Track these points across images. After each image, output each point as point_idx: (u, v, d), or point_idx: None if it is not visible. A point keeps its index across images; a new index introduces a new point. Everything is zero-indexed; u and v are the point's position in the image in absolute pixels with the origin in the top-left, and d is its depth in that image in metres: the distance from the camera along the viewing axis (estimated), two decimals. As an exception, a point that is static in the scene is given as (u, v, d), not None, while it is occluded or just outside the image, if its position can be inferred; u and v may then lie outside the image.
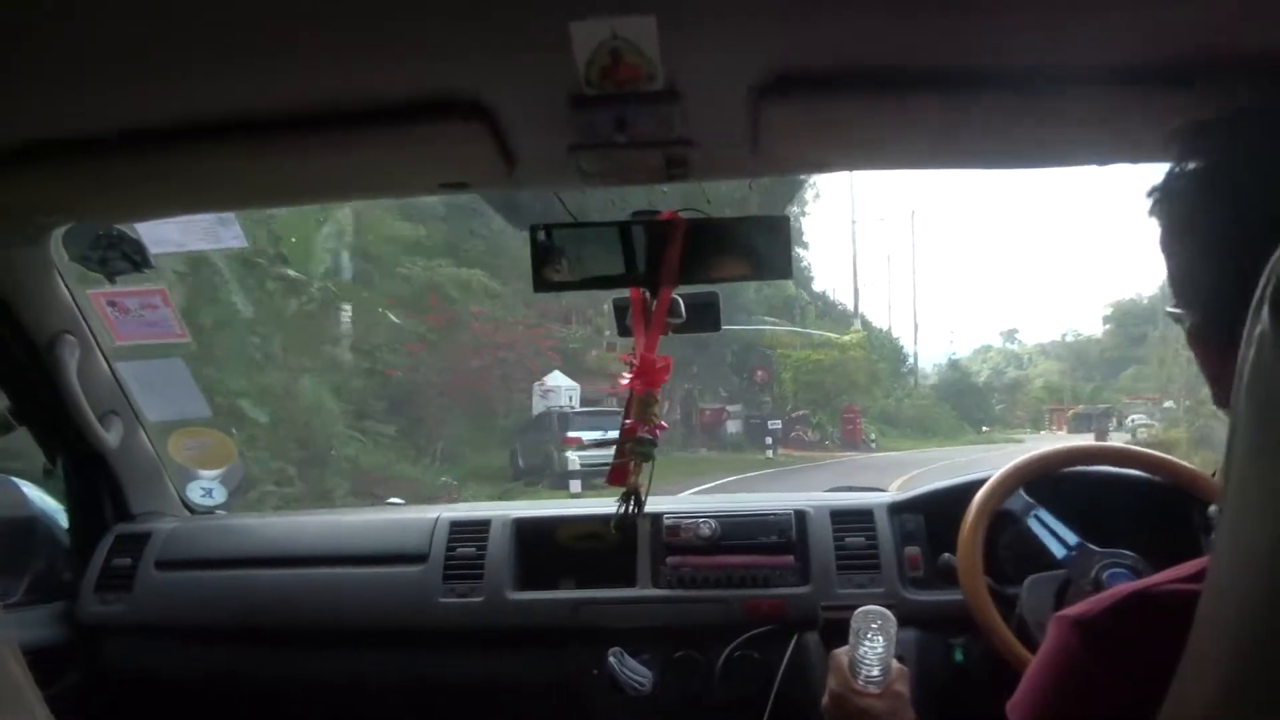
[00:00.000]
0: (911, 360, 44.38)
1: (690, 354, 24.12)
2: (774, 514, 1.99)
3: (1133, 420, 39.29)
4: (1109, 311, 68.56)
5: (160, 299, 1.95)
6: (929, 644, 1.82)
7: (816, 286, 37.18)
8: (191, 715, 2.12)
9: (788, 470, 20.39)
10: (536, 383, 19.12)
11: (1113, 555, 1.68)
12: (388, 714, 2.06)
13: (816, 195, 33.61)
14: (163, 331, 2.00)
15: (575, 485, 13.39)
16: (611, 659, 1.85)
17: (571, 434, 16.81)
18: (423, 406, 16.72)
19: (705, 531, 1.96)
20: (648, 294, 1.54)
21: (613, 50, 1.02)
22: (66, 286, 1.91)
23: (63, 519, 2.18)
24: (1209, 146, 0.78)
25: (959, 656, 1.81)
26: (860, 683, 1.35)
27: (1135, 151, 1.28)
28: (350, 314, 15.36)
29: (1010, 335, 68.79)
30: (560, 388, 19.33)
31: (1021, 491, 1.79)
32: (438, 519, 2.08)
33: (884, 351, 37.50)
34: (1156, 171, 0.81)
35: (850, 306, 39.31)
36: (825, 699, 1.40)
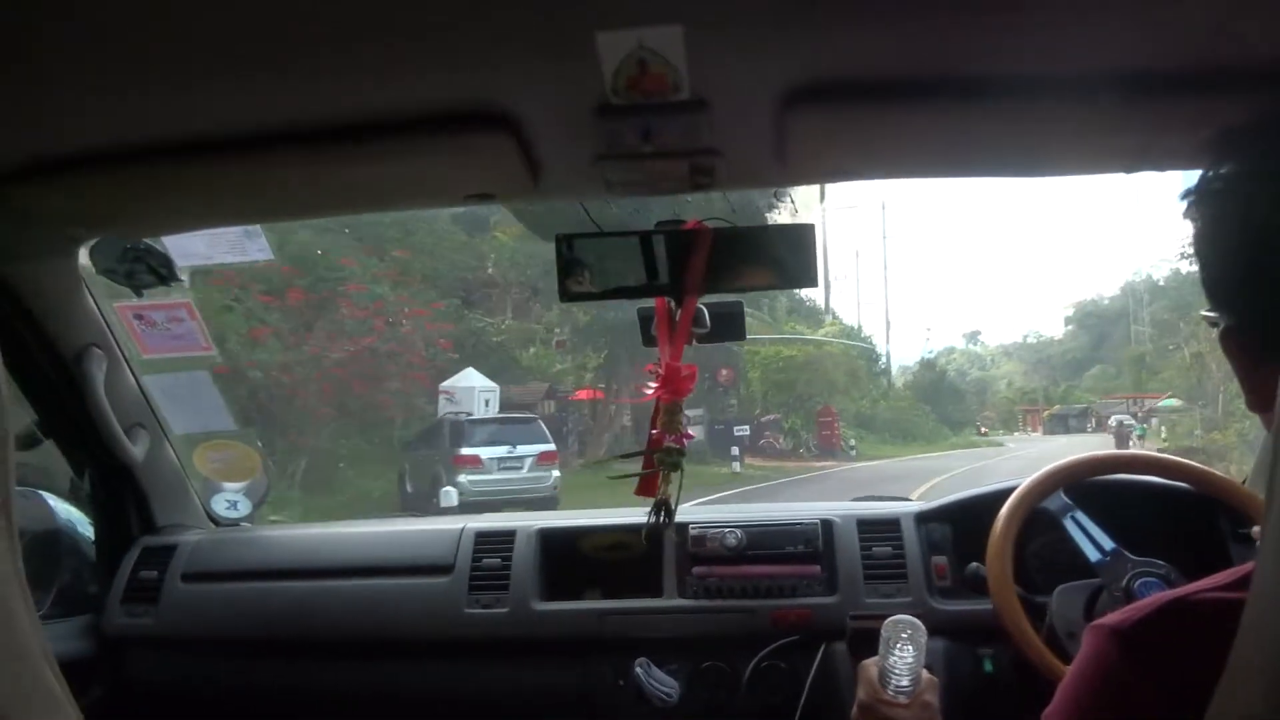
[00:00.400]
0: (884, 360, 41.69)
1: (640, 351, 22.07)
2: (800, 523, 1.98)
3: (1117, 421, 38.71)
4: (1070, 313, 69.21)
5: (186, 312, 1.97)
6: (957, 654, 1.80)
7: (785, 281, 35.56)
8: None
9: (762, 488, 17.34)
10: (443, 384, 16.40)
11: (1146, 564, 1.66)
12: None
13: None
14: (188, 344, 2.01)
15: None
16: (638, 669, 1.84)
17: (467, 450, 14.14)
18: (277, 412, 13.23)
19: (731, 541, 1.95)
20: (672, 303, 1.54)
21: (639, 60, 1.02)
22: (94, 299, 1.93)
23: (89, 532, 2.20)
24: (1243, 150, 0.77)
25: (988, 667, 1.79)
26: (890, 693, 1.33)
27: (1167, 159, 1.27)
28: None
29: (973, 337, 69.36)
30: (472, 390, 16.39)
31: (1061, 492, 1.78)
32: (463, 529, 2.08)
33: (857, 349, 34.11)
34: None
35: (820, 302, 36.93)
36: (854, 709, 1.39)
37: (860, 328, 39.19)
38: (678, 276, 1.50)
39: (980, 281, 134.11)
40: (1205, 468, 1.83)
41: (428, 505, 12.61)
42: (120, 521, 2.20)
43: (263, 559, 2.14)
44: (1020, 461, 21.64)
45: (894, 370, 43.53)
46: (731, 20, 0.97)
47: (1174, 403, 32.04)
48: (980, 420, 46.72)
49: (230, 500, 2.39)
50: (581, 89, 1.10)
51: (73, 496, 2.19)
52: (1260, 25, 0.96)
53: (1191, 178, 0.81)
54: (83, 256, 1.82)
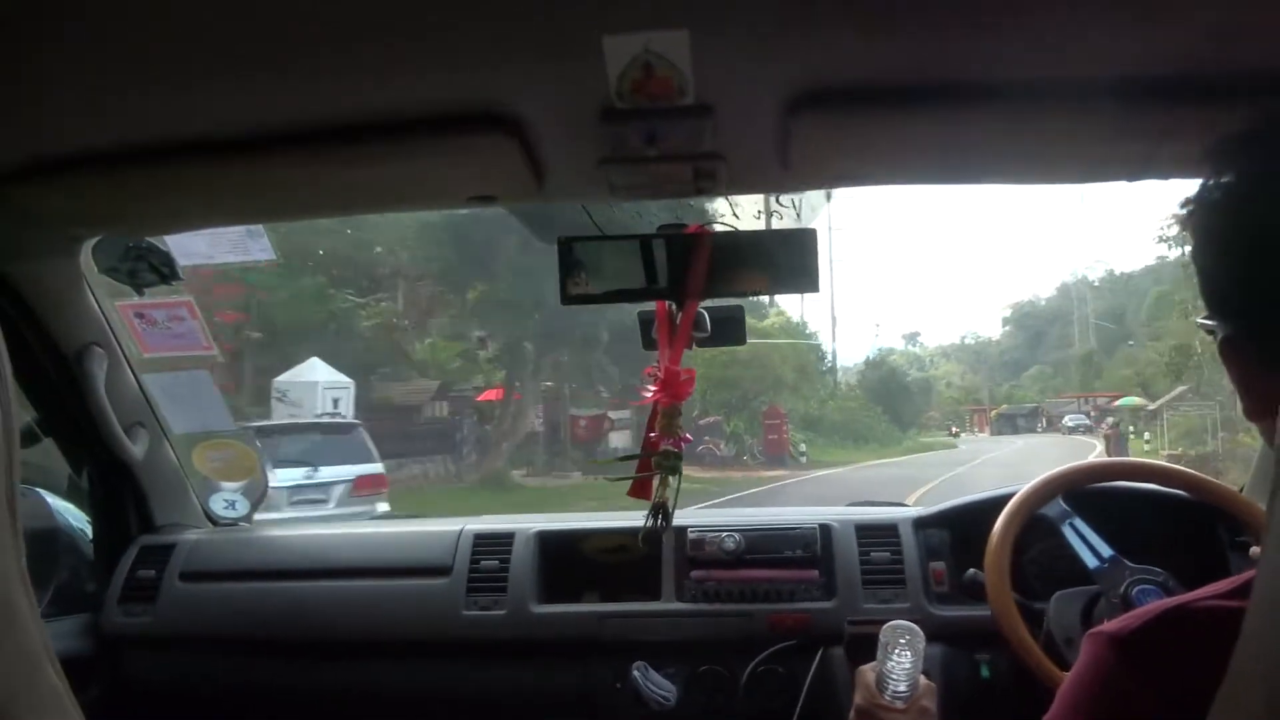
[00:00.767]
0: (831, 358, 39.40)
1: (555, 345, 18.77)
2: (798, 528, 1.98)
3: (1071, 421, 38.34)
4: (1008, 313, 69.92)
5: (187, 311, 1.97)
6: (955, 660, 1.80)
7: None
8: None
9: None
10: (277, 379, 13.11)
11: (1144, 571, 1.66)
12: None
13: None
14: (189, 344, 2.01)
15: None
16: (636, 673, 1.84)
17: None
18: None
19: (729, 545, 1.95)
20: (673, 306, 1.54)
21: (645, 64, 1.03)
22: (95, 299, 1.93)
23: (87, 530, 2.20)
24: (1245, 159, 0.77)
25: (986, 673, 1.79)
26: (887, 698, 1.34)
27: (1171, 167, 1.28)
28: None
29: (912, 338, 69.43)
30: (314, 386, 12.82)
31: (1059, 499, 1.78)
32: (461, 531, 2.08)
33: (805, 345, 30.46)
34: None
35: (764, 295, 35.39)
36: (851, 714, 1.39)
37: (805, 323, 35.08)
38: (678, 280, 1.51)
39: (919, 283, 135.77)
40: (1203, 476, 1.84)
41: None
42: (119, 520, 2.19)
43: (261, 559, 2.14)
44: (997, 468, 21.27)
45: (839, 370, 41.95)
46: (737, 25, 0.98)
47: (1134, 401, 31.43)
48: (927, 421, 46.18)
49: (228, 500, 2.39)
50: (586, 92, 1.10)
51: (71, 495, 2.19)
52: (1263, 32, 0.97)
53: (1193, 186, 0.81)
54: (84, 255, 1.82)
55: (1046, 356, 58.82)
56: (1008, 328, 68.49)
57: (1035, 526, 1.78)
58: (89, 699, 1.99)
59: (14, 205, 1.42)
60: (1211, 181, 0.79)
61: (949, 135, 1.22)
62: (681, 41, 0.98)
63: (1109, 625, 0.80)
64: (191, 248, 1.81)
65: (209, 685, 2.07)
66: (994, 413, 47.84)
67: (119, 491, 2.19)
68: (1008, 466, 21.19)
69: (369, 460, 11.14)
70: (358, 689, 2.02)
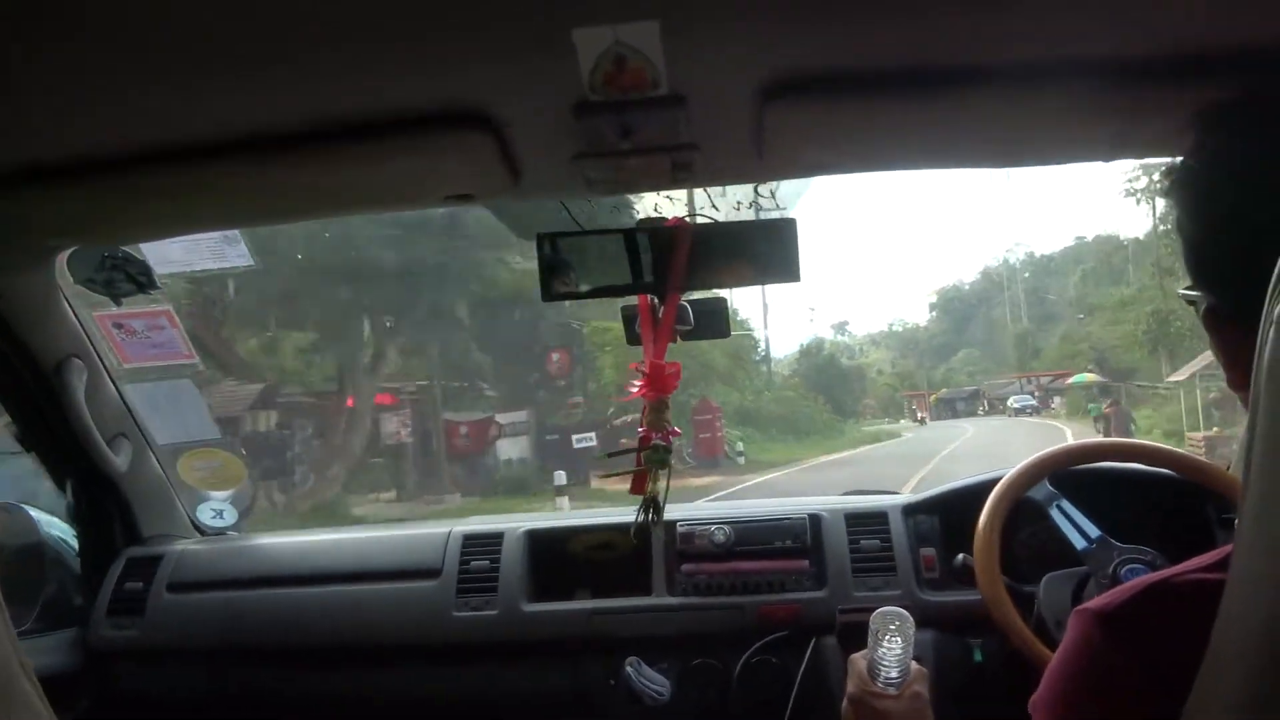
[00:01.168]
0: (764, 347, 36.22)
1: (425, 332, 15.34)
2: (788, 518, 1.99)
3: (1016, 402, 38.09)
4: (934, 299, 70.24)
5: (166, 320, 1.95)
6: (947, 645, 1.81)
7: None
8: None
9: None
10: None
11: (1132, 551, 1.67)
12: None
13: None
14: (169, 353, 2.00)
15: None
16: (628, 669, 1.84)
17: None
18: None
19: (719, 538, 1.95)
20: (655, 300, 1.54)
21: (616, 56, 1.02)
22: (73, 310, 1.91)
23: (73, 544, 2.18)
24: (1226, 130, 0.78)
25: (978, 656, 1.80)
26: (879, 685, 1.34)
27: (1145, 147, 1.28)
28: None
29: (841, 327, 69.44)
30: None
31: (1046, 481, 1.78)
32: (450, 533, 2.07)
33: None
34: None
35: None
36: (844, 702, 1.39)
37: (737, 310, 31.12)
38: (661, 273, 1.50)
39: (846, 272, 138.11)
40: (1189, 453, 1.85)
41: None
42: (104, 533, 2.18)
43: (249, 567, 2.13)
44: (972, 462, 20.86)
45: (773, 359, 39.39)
46: (708, 14, 0.97)
47: (1088, 377, 31.09)
48: (863, 409, 45.32)
49: (216, 509, 2.37)
50: (559, 86, 1.09)
51: (56, 509, 2.17)
52: (1239, 9, 0.97)
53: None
54: (59, 266, 1.80)
55: (975, 339, 59.46)
56: (934, 313, 68.86)
57: (1023, 510, 1.79)
58: (78, 713, 1.98)
59: None
60: (1191, 155, 0.79)
61: (924, 121, 1.21)
62: (652, 32, 0.97)
63: (1093, 602, 0.80)
64: (169, 255, 1.79)
65: (199, 695, 2.06)
66: (933, 398, 47.63)
67: (103, 504, 2.17)
68: (982, 458, 20.39)
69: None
70: (350, 695, 2.01)
